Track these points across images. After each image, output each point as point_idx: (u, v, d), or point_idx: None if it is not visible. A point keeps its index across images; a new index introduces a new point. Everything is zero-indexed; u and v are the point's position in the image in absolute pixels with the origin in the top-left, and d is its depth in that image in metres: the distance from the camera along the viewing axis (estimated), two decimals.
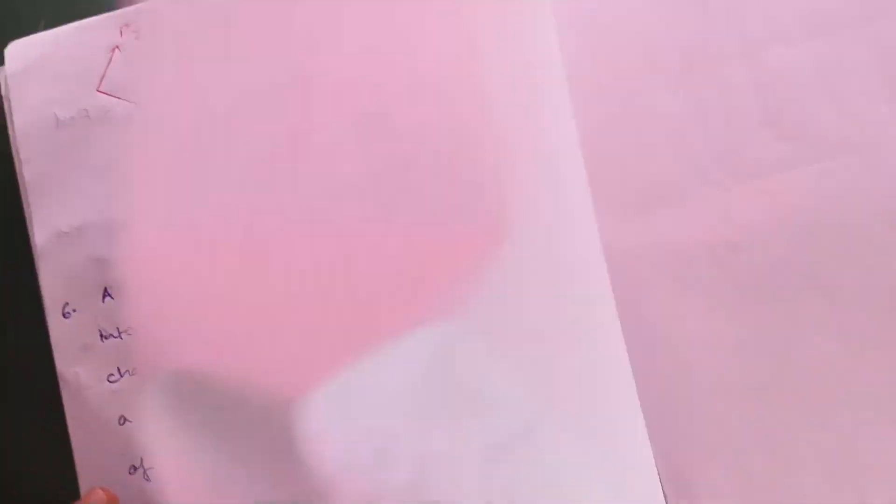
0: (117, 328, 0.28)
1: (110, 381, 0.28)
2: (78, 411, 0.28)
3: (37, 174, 0.29)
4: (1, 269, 0.31)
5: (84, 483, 0.28)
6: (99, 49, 0.29)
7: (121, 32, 0.29)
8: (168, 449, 0.27)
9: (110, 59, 0.30)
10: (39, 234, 0.28)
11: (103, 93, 0.29)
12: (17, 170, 0.29)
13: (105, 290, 0.28)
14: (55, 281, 0.28)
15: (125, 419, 0.28)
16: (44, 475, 0.29)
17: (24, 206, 0.29)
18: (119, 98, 0.29)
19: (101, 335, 0.28)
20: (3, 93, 0.30)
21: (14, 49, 0.30)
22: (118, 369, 0.28)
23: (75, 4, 0.31)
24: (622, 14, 0.29)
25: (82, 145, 0.29)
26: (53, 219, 0.28)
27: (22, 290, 0.30)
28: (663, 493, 0.26)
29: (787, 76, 0.29)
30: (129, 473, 0.27)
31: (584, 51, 0.29)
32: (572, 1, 0.29)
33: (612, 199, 0.28)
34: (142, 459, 0.28)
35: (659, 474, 0.27)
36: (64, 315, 0.28)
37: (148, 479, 0.27)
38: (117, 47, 0.29)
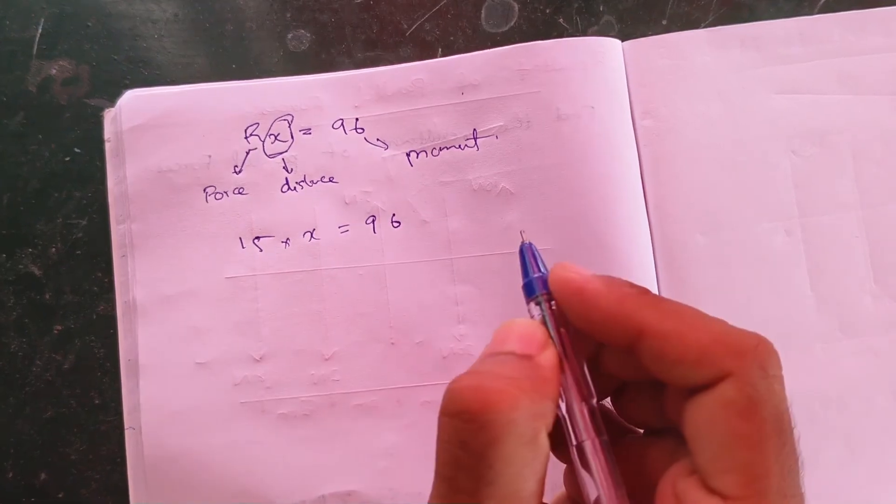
0: None
1: None
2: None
3: (145, 234, 0.29)
4: None
5: None
6: (234, 124, 0.29)
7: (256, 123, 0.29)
8: None
9: (247, 153, 0.29)
10: (141, 294, 0.28)
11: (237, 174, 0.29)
12: (113, 223, 0.29)
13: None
14: (151, 342, 0.28)
15: None
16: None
17: (116, 258, 0.29)
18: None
19: None
20: (106, 136, 0.30)
21: (132, 100, 0.29)
22: None
23: None
24: (747, 146, 0.28)
25: (199, 213, 0.29)
26: (157, 280, 0.28)
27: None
28: None
29: None
30: None
31: (703, 180, 0.28)
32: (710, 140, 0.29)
33: None
34: None
35: None
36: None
37: None
38: (253, 135, 0.29)
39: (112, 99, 0.31)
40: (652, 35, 0.29)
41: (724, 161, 0.28)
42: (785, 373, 0.27)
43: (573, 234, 0.28)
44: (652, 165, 0.29)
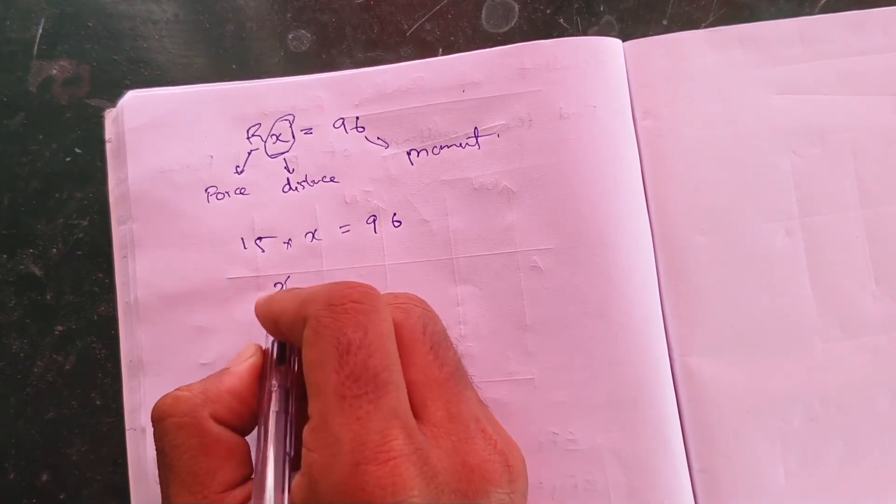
0: None
1: None
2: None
3: (146, 234, 0.29)
4: None
5: None
6: (235, 124, 0.29)
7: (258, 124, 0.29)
8: None
9: (248, 153, 0.29)
10: (143, 294, 0.28)
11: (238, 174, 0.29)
12: (114, 224, 0.29)
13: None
14: (153, 343, 0.28)
15: None
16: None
17: (117, 259, 0.29)
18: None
19: None
20: (107, 136, 0.30)
21: (133, 101, 0.29)
22: None
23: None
24: (747, 146, 0.29)
25: (201, 214, 0.29)
26: (158, 280, 0.28)
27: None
28: None
29: None
30: None
31: (702, 176, 0.28)
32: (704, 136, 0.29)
33: (712, 335, 0.28)
34: None
35: None
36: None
37: None
38: (255, 135, 0.29)
39: (112, 99, 0.30)
40: (652, 35, 0.29)
41: (725, 161, 0.29)
42: (785, 372, 0.27)
43: (574, 232, 0.28)
44: (652, 165, 0.29)
